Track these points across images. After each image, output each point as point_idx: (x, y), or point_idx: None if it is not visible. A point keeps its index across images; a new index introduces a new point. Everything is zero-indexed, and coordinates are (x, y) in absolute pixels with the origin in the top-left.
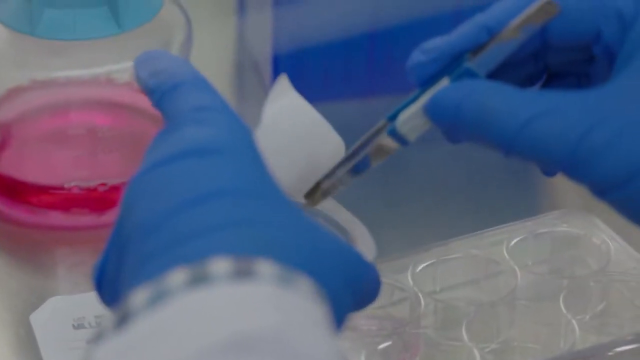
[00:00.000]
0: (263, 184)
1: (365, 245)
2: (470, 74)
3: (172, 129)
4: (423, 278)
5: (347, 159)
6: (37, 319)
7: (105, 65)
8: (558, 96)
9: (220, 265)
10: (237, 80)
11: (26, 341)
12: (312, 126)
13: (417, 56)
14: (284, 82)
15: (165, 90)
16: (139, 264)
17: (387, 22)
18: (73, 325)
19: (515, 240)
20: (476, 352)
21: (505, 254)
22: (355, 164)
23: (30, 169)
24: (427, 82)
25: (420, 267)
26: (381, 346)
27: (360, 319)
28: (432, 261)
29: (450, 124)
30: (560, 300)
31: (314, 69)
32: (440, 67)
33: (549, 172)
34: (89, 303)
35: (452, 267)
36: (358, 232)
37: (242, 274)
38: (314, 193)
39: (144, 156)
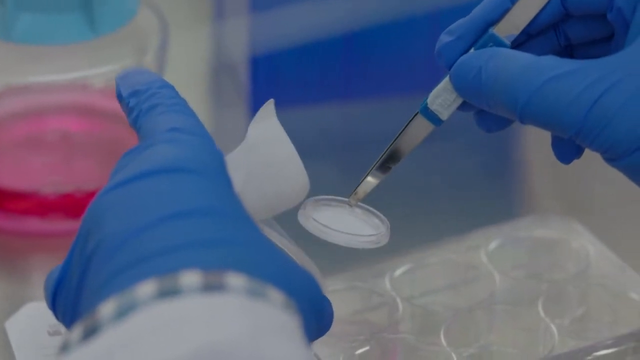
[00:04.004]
0: (231, 204)
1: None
2: (495, 41)
3: (144, 148)
4: (401, 283)
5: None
6: (13, 325)
7: (81, 71)
8: (573, 62)
9: (189, 277)
10: (214, 85)
11: (1, 348)
12: (285, 159)
13: (444, 38)
14: (269, 108)
15: (142, 109)
16: (107, 278)
17: (363, 26)
18: (48, 332)
19: (493, 245)
20: (454, 357)
21: (484, 259)
22: (388, 156)
23: (6, 174)
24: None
25: (398, 272)
26: (359, 351)
27: (338, 324)
28: (410, 266)
29: (471, 89)
30: (539, 305)
31: (291, 73)
32: (467, 45)
33: (565, 158)
34: None
35: (430, 272)
36: (308, 268)
37: (212, 286)
38: (356, 190)
39: (111, 173)
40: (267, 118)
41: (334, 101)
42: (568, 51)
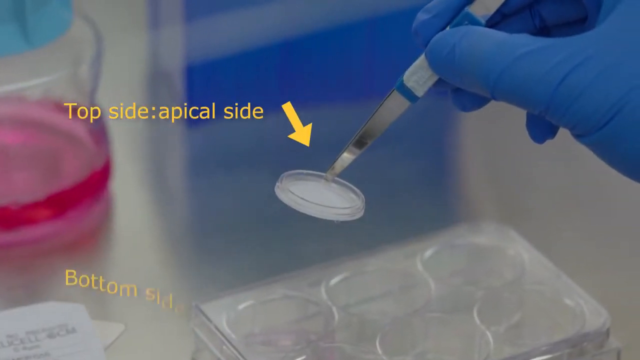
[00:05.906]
0: None
1: None
2: (470, 19)
3: None
4: (337, 292)
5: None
6: None
7: (16, 83)
8: (545, 40)
9: None
10: (150, 94)
11: None
12: None
13: (421, 16)
14: None
15: None
16: None
17: (300, 33)
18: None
19: (429, 252)
20: None
21: (420, 267)
22: (365, 132)
23: None
24: None
25: (334, 281)
26: None
27: (274, 334)
28: (346, 275)
29: (445, 66)
30: (475, 312)
31: (227, 81)
32: (443, 24)
33: (539, 138)
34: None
35: (366, 280)
36: None
37: None
38: (333, 165)
39: None
40: None
41: (270, 109)
42: (544, 32)
